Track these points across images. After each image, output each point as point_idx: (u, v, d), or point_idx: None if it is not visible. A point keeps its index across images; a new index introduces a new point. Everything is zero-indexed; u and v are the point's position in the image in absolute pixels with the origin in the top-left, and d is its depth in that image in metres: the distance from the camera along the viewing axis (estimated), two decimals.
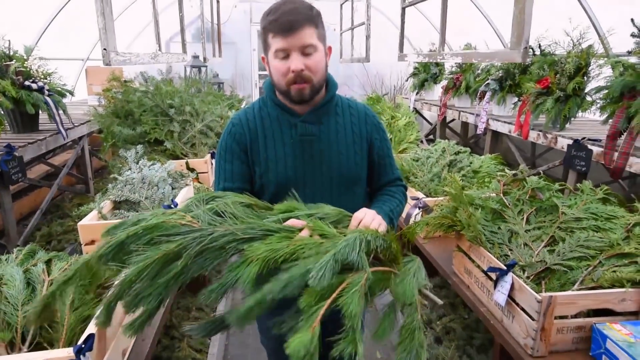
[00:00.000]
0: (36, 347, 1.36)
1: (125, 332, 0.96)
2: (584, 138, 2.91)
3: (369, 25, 4.41)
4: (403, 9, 3.58)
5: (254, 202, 1.13)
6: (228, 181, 1.33)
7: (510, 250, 1.83)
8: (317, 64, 1.23)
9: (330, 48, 1.33)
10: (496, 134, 4.03)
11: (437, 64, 5.25)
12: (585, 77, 3.13)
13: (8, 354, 1.31)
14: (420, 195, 2.51)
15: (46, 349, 1.35)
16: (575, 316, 1.58)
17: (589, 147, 2.78)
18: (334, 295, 0.86)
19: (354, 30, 5.35)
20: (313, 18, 1.22)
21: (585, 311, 1.57)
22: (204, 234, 0.97)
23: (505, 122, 3.76)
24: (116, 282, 0.94)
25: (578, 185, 2.07)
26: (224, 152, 1.35)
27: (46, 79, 3.34)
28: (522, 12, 1.73)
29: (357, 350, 0.79)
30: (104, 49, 1.72)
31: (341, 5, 5.78)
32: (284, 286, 0.85)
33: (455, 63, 4.57)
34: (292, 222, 1.05)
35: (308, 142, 1.31)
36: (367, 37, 4.48)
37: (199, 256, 0.95)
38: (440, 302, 1.06)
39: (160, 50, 2.76)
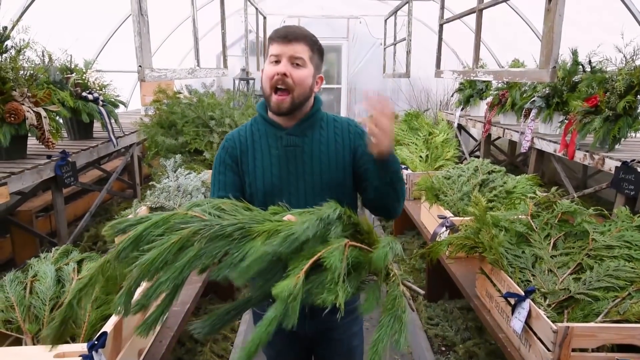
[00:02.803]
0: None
1: (139, 331, 0.99)
2: (633, 160, 2.74)
3: (410, 41, 4.40)
4: (441, 26, 3.55)
5: (248, 206, 1.19)
6: (222, 190, 1.45)
7: (533, 276, 1.76)
8: (301, 78, 1.35)
9: (321, 77, 1.46)
10: (542, 153, 3.87)
11: (484, 80, 5.13)
12: (638, 96, 2.95)
13: (34, 344, 1.42)
14: (448, 214, 2.46)
15: (69, 342, 1.45)
16: (599, 350, 1.49)
17: (639, 169, 2.61)
18: (319, 254, 0.96)
19: (397, 45, 5.35)
20: (312, 42, 1.37)
21: (610, 345, 1.48)
22: (213, 223, 1.03)
23: (550, 141, 3.60)
24: (136, 265, 0.96)
25: (614, 211, 1.95)
26: (219, 165, 1.48)
27: (101, 90, 3.60)
28: (551, 30, 1.68)
29: (339, 299, 0.89)
30: (139, 66, 1.86)
31: (385, 20, 5.81)
32: (282, 240, 0.94)
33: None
34: (288, 218, 1.12)
35: (292, 153, 1.43)
36: (408, 53, 4.47)
37: (210, 243, 1.00)
38: (422, 292, 1.15)
39: (198, 65, 2.91)
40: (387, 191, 1.40)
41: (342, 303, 0.88)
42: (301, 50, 1.34)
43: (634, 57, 2.98)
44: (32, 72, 2.76)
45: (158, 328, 1.77)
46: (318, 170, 1.43)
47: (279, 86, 1.34)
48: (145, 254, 0.98)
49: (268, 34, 6.56)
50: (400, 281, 1.03)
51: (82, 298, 1.03)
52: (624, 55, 3.02)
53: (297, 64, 1.34)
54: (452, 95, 6.15)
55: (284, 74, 1.32)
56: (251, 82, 5.93)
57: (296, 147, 1.42)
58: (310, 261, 0.93)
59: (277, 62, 1.34)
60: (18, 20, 2.71)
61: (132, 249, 1.01)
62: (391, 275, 1.04)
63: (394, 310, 0.95)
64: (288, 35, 1.33)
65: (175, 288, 0.99)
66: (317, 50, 1.41)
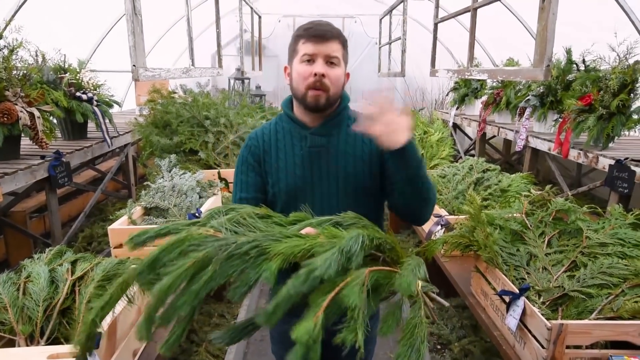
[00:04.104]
0: (54, 341, 1.46)
1: (162, 351, 0.98)
2: (626, 158, 2.75)
3: (405, 40, 4.41)
4: (435, 25, 3.56)
5: (268, 213, 1.17)
6: (244, 191, 1.42)
7: (528, 273, 1.77)
8: (337, 76, 1.32)
9: (348, 74, 1.41)
10: (536, 152, 3.88)
11: (478, 79, 5.15)
12: (631, 95, 2.97)
13: (27, 346, 1.41)
14: (443, 212, 2.47)
15: (62, 344, 1.45)
16: (593, 347, 1.50)
17: (632, 168, 2.62)
18: (337, 289, 0.92)
19: (392, 44, 5.35)
20: (342, 38, 1.34)
21: (603, 342, 1.49)
22: (229, 242, 1.02)
23: (545, 139, 3.62)
24: (152, 293, 0.95)
25: (608, 208, 1.97)
26: (241, 165, 1.45)
27: (96, 90, 3.58)
28: (545, 29, 1.69)
29: (358, 338, 0.84)
30: (133, 65, 1.85)
31: (380, 19, 5.81)
32: (304, 280, 0.90)
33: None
34: (307, 231, 1.09)
35: (316, 154, 1.37)
36: (403, 52, 4.48)
37: (226, 262, 0.99)
38: (447, 304, 1.10)
39: (193, 65, 2.90)
40: (410, 191, 1.29)
41: (362, 344, 0.83)
42: (336, 49, 1.31)
43: (627, 56, 3.00)
44: (25, 71, 2.74)
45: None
46: (343, 172, 1.37)
47: (315, 87, 1.30)
48: (161, 278, 0.96)
49: (263, 33, 6.56)
50: (424, 292, 0.98)
51: (104, 315, 1.04)
52: (618, 54, 3.03)
53: (332, 63, 1.31)
54: (447, 94, 6.17)
55: (322, 75, 1.28)
56: (246, 81, 5.91)
57: (321, 148, 1.37)
58: (329, 298, 0.90)
59: (311, 61, 1.30)
60: (10, 20, 2.70)
61: (149, 272, 1.00)
62: (415, 294, 0.98)
63: (412, 340, 0.90)
64: (325, 34, 1.29)
65: (192, 309, 0.98)
66: (346, 47, 1.38)
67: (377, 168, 1.40)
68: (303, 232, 1.08)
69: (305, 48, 1.30)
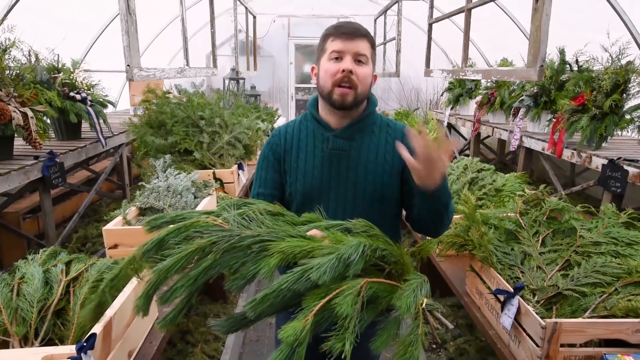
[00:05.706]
0: (48, 342, 1.45)
1: (158, 327, 1.04)
2: (619, 158, 2.78)
3: (400, 40, 4.42)
4: (430, 25, 3.57)
5: (281, 211, 1.18)
6: (262, 187, 1.44)
7: (522, 272, 1.78)
8: (365, 75, 1.31)
9: (375, 76, 1.41)
10: (530, 152, 3.91)
11: (473, 79, 5.17)
12: (623, 95, 3.00)
13: (21, 347, 1.40)
14: None
15: (57, 345, 1.44)
16: (586, 345, 1.51)
17: (625, 167, 2.64)
18: (331, 295, 0.92)
19: (387, 44, 5.36)
20: (371, 38, 1.34)
21: (597, 340, 1.50)
22: (233, 234, 1.03)
23: (539, 139, 3.64)
24: (153, 270, 1.00)
25: (601, 207, 1.98)
26: (262, 161, 1.46)
27: (89, 90, 3.56)
28: (539, 29, 1.70)
29: (345, 348, 0.85)
30: (128, 65, 1.84)
31: (375, 20, 5.82)
32: (297, 278, 0.91)
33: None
34: (313, 232, 1.09)
35: (337, 157, 1.37)
36: (398, 52, 4.49)
37: (227, 253, 1.00)
38: (450, 325, 1.08)
39: (187, 65, 2.90)
40: (428, 217, 1.31)
41: (349, 354, 0.84)
42: (364, 48, 1.30)
43: (620, 56, 3.02)
44: (18, 71, 2.72)
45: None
46: (362, 179, 1.36)
47: (343, 84, 1.29)
48: (165, 259, 0.99)
49: (258, 33, 6.55)
50: (428, 311, 0.97)
51: (114, 287, 1.12)
52: (610, 55, 3.06)
53: (360, 61, 1.30)
54: (441, 95, 6.19)
55: (350, 71, 1.27)
56: (241, 81, 5.91)
57: (342, 151, 1.36)
58: (321, 303, 0.90)
59: (339, 58, 1.29)
60: (3, 19, 2.68)
61: (156, 251, 1.03)
62: (415, 314, 0.97)
63: (405, 358, 0.90)
64: (354, 32, 1.29)
65: (190, 294, 1.01)
66: (374, 47, 1.37)
67: (398, 179, 1.39)
68: (309, 233, 1.08)
69: (333, 45, 1.30)
